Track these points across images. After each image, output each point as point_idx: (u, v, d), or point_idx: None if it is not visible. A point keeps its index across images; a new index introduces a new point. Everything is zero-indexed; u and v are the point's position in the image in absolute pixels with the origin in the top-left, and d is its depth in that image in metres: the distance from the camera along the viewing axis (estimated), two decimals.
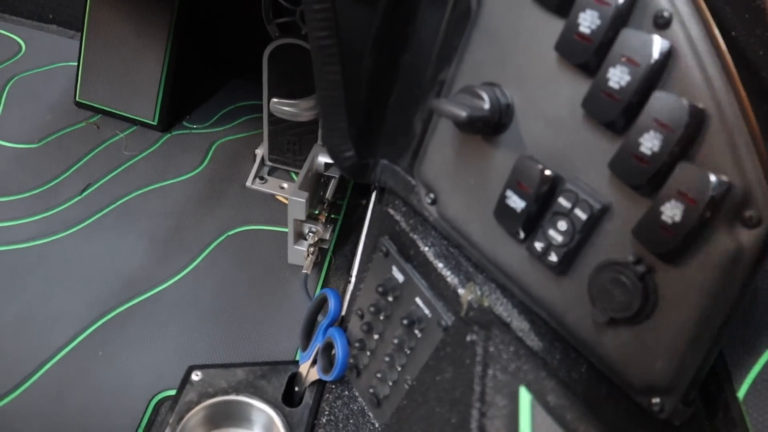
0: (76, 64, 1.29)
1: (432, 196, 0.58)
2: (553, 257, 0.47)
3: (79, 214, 1.11)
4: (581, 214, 0.45)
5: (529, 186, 0.48)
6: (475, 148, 0.52)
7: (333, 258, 1.10)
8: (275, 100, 0.99)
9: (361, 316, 0.72)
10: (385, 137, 0.61)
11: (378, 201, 0.69)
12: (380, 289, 0.65)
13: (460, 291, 0.56)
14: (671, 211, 0.40)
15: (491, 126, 0.49)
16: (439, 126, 0.55)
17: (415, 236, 0.61)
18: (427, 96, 0.56)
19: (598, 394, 0.48)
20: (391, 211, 0.63)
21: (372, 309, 0.67)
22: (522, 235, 0.49)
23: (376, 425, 0.76)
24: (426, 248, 0.60)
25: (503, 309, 0.53)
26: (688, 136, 0.39)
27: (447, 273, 0.58)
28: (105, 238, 1.08)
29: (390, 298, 0.65)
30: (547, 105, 0.47)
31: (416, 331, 0.63)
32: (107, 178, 1.18)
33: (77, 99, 1.30)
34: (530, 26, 0.47)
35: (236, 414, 0.83)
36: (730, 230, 0.39)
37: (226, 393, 0.82)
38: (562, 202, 0.46)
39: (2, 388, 0.86)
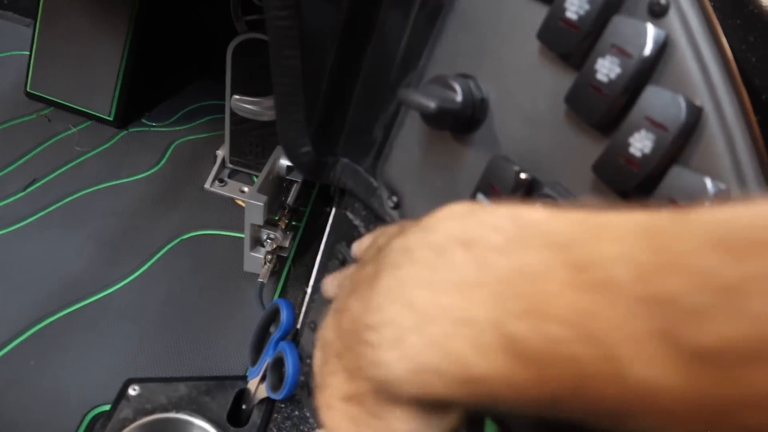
0: (28, 53, 1.21)
1: (395, 199, 0.53)
2: None
3: (21, 210, 1.03)
4: None
5: (502, 189, 0.43)
6: (445, 147, 0.47)
7: (292, 267, 1.04)
8: (237, 97, 0.93)
9: (315, 329, 0.66)
10: (347, 134, 0.55)
11: (336, 204, 0.63)
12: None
13: None
14: None
15: (463, 122, 0.44)
16: (406, 122, 0.50)
17: None
18: (395, 90, 0.51)
19: None
20: (350, 215, 0.58)
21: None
22: None
23: None
24: None
25: None
26: (684, 137, 0.35)
27: None
28: (48, 238, 1.00)
29: None
30: (526, 100, 0.42)
31: None
32: (55, 173, 1.11)
33: (28, 89, 1.23)
34: (511, 12, 0.42)
35: None
36: None
37: (166, 410, 0.75)
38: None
39: None
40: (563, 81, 0.39)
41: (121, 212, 1.07)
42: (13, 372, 0.82)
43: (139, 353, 0.87)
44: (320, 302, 0.65)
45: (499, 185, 0.43)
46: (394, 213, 0.53)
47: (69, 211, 1.05)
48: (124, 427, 0.73)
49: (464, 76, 0.45)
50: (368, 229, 0.57)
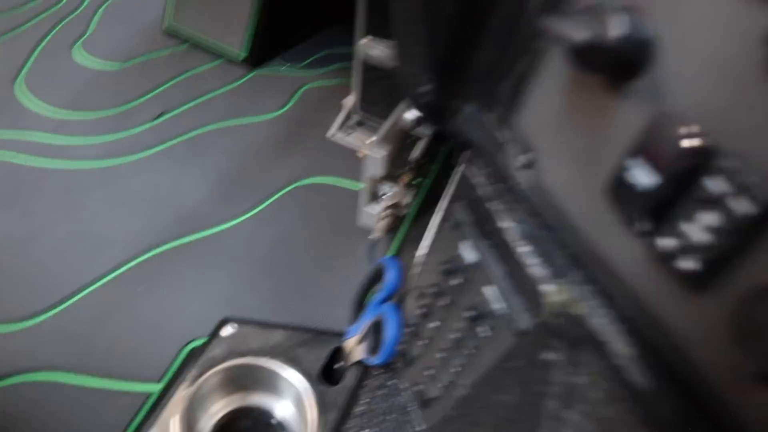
0: None
1: (527, 157, 0.45)
2: (688, 263, 0.33)
3: (148, 140, 1.05)
4: (745, 207, 0.30)
5: (665, 156, 0.33)
6: (592, 98, 0.38)
7: (410, 227, 0.98)
8: (364, 40, 0.87)
9: (421, 296, 0.60)
10: (475, 75, 0.47)
11: (456, 159, 0.56)
12: (445, 268, 0.52)
13: (546, 288, 0.43)
14: None
15: (620, 65, 0.35)
16: (549, 65, 0.41)
17: (496, 207, 0.48)
18: (536, 23, 0.42)
19: None
20: (470, 173, 0.50)
21: (433, 291, 0.55)
22: (644, 225, 0.35)
23: (417, 427, 0.64)
24: (509, 224, 0.47)
25: (601, 322, 0.39)
26: None
27: (532, 261, 0.44)
28: (170, 169, 1.01)
29: (454, 282, 0.53)
30: (709, 43, 0.32)
31: (480, 329, 0.50)
32: (184, 107, 1.11)
33: (166, 26, 1.24)
34: None
35: (263, 380, 0.73)
36: None
37: (258, 355, 0.73)
38: (714, 185, 0.32)
39: (40, 304, 0.81)
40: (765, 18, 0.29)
41: (242, 152, 1.06)
42: (121, 296, 0.83)
43: (241, 293, 0.85)
44: (432, 268, 0.58)
45: (661, 150, 0.34)
46: (523, 174, 0.45)
47: (192, 146, 1.06)
48: (214, 365, 0.71)
49: (626, 9, 0.35)
50: (490, 190, 0.49)
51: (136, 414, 0.71)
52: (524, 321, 0.45)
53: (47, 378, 0.73)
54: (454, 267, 0.52)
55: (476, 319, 0.50)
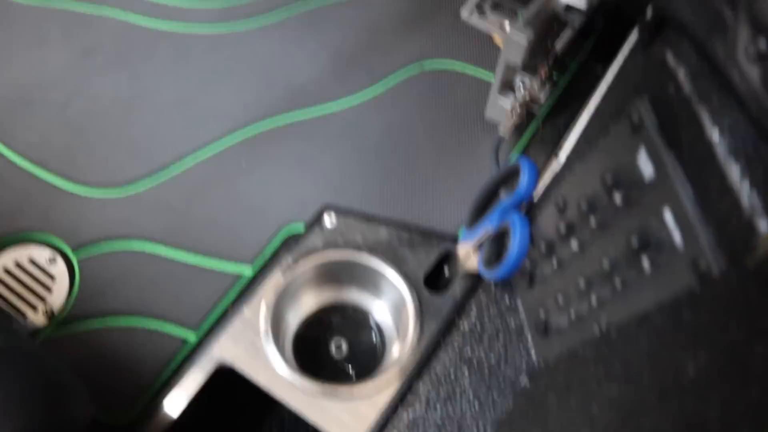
0: None
1: (765, 44, 0.32)
2: None
3: (264, 9, 0.96)
4: None
5: None
6: None
7: (541, 127, 0.85)
8: None
9: (562, 210, 0.49)
10: None
11: (648, 41, 0.43)
12: (608, 179, 0.41)
13: (763, 225, 0.31)
14: None
15: None
16: None
17: (701, 109, 0.36)
18: None
19: None
20: (672, 59, 0.38)
21: (584, 204, 0.44)
22: None
23: (532, 356, 0.56)
24: (715, 134, 0.35)
25: None
26: None
27: (743, 186, 0.33)
28: (284, 41, 0.92)
29: (618, 197, 0.41)
30: None
31: (645, 260, 0.39)
32: None
33: None
34: None
35: (362, 277, 0.66)
36: None
37: (359, 250, 0.66)
38: None
39: (141, 171, 0.77)
40: None
41: (363, 27, 0.95)
42: (225, 169, 0.78)
43: (346, 181, 0.77)
44: (583, 177, 0.47)
45: None
46: (754, 68, 0.32)
47: (310, 18, 0.96)
48: (311, 254, 0.65)
49: None
50: (695, 86, 0.36)
51: (225, 294, 0.67)
52: (718, 263, 0.33)
53: (142, 247, 0.70)
54: (620, 179, 0.41)
55: (641, 249, 0.39)
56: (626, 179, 0.40)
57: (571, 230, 0.47)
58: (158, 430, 0.58)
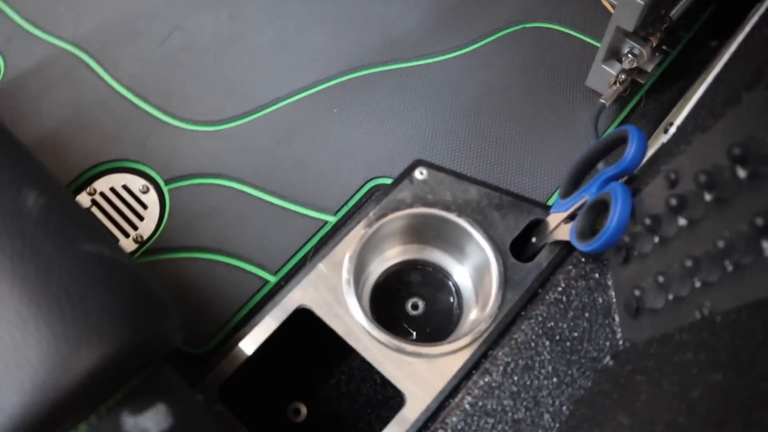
0: None
1: None
2: None
3: None
4: None
5: None
6: None
7: (644, 98, 0.81)
8: None
9: (673, 183, 0.46)
10: None
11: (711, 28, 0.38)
12: (736, 152, 0.37)
13: None
14: None
15: None
16: None
17: None
18: None
19: None
20: None
21: (702, 178, 0.41)
22: None
23: (618, 336, 0.53)
24: None
25: None
26: None
27: None
28: None
29: (743, 172, 0.38)
30: None
31: (767, 244, 0.36)
32: None
33: None
34: None
35: (447, 237, 0.65)
36: None
37: (447, 208, 0.64)
38: None
39: (234, 110, 0.77)
40: None
41: None
42: (316, 112, 0.77)
43: (437, 137, 0.75)
44: (701, 147, 0.44)
45: None
46: None
47: None
48: (398, 209, 0.64)
49: None
50: None
51: (308, 239, 0.67)
52: None
53: (230, 185, 0.71)
54: (749, 152, 0.37)
55: (764, 231, 0.36)
56: (756, 152, 0.37)
57: (681, 205, 0.44)
58: (232, 365, 0.59)
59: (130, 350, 0.37)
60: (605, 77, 0.78)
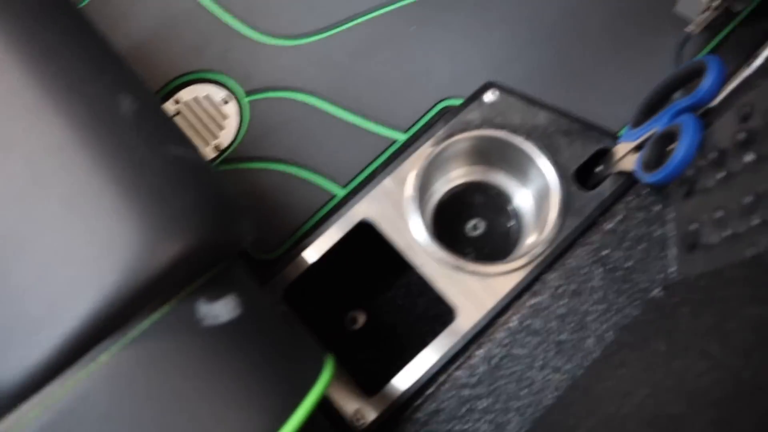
0: None
1: None
2: None
3: None
4: None
5: None
6: None
7: (737, 29, 0.76)
8: None
9: (745, 118, 0.45)
10: None
11: None
12: None
13: None
14: None
15: None
16: None
17: None
18: None
19: None
20: None
21: None
22: None
23: (670, 268, 0.54)
24: None
25: None
26: None
27: None
28: None
29: None
30: None
31: None
32: None
33: None
34: None
35: (512, 161, 0.66)
36: None
37: (515, 132, 0.65)
38: None
39: (312, 26, 0.77)
40: None
41: None
42: (394, 30, 0.77)
43: (510, 60, 0.74)
44: None
45: None
46: None
47: None
48: (466, 129, 0.65)
49: None
50: None
51: (377, 156, 0.70)
52: None
53: (306, 100, 0.73)
54: None
55: None
56: None
57: (750, 141, 0.44)
58: (295, 272, 0.63)
59: (208, 245, 0.41)
60: (696, 3, 0.74)
